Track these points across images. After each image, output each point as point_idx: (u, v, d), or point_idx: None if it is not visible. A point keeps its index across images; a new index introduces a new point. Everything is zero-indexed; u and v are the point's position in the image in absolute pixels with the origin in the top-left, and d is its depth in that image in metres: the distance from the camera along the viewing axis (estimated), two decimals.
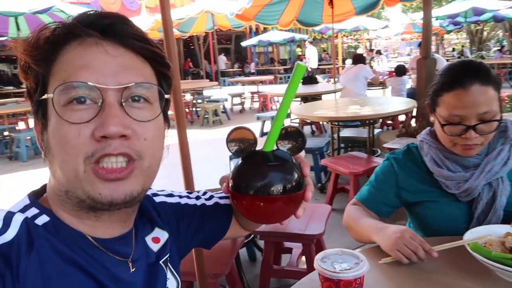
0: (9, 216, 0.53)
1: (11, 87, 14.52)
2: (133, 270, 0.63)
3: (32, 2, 5.93)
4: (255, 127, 7.30)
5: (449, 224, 1.22)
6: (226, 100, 9.97)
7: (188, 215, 0.83)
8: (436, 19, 13.54)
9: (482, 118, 1.12)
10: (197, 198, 0.88)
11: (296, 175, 0.58)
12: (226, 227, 0.88)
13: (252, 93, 10.85)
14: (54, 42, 0.56)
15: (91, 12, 0.58)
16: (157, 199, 0.81)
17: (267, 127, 6.31)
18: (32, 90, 0.58)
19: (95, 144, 0.53)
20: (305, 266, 2.37)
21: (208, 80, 14.85)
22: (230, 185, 0.60)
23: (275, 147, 0.59)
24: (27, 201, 0.59)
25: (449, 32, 20.03)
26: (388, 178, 1.33)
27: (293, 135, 0.60)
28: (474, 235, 1.03)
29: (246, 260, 2.84)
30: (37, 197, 0.61)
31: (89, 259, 0.57)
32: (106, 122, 0.53)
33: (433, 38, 17.83)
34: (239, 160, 0.61)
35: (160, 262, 0.71)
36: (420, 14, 5.65)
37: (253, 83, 11.79)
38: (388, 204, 1.32)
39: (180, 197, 0.86)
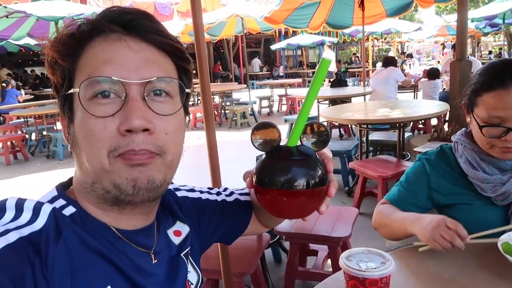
0: (38, 206, 0.55)
1: (50, 89, 15.15)
2: (155, 261, 0.65)
3: (71, 7, 6.20)
4: (283, 130, 7.28)
5: (483, 228, 1.18)
6: (255, 102, 10.01)
7: (209, 210, 0.84)
8: (472, 21, 13.08)
9: None
10: (218, 194, 0.89)
11: (319, 171, 0.58)
12: (246, 223, 0.89)
13: (280, 96, 10.85)
14: (79, 38, 0.58)
15: (115, 8, 0.60)
16: (179, 193, 0.83)
17: None
18: (58, 85, 0.61)
19: (120, 138, 0.55)
20: (330, 269, 2.35)
21: (237, 83, 14.99)
22: (254, 179, 0.60)
23: (299, 143, 0.60)
24: (55, 193, 0.61)
25: (486, 34, 19.30)
26: (419, 179, 1.29)
27: (317, 131, 0.60)
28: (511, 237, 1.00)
29: (271, 261, 2.84)
30: (64, 189, 0.63)
31: (113, 249, 0.59)
32: (130, 115, 0.55)
33: (469, 41, 17.25)
34: (263, 155, 0.61)
35: (181, 254, 0.72)
36: (455, 16, 5.47)
37: (281, 86, 11.79)
38: (419, 205, 1.29)
39: (201, 192, 0.87)
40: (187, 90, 0.64)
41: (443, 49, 21.95)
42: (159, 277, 0.65)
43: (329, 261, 2.47)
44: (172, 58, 0.62)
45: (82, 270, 0.54)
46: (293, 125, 0.59)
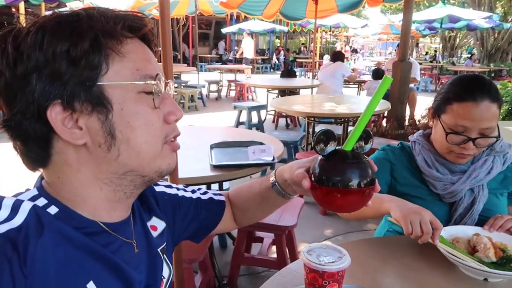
0: (17, 203, 0.54)
1: None
2: (137, 251, 0.67)
3: None
4: (231, 116, 7.31)
5: None
6: (203, 86, 9.89)
7: (184, 207, 0.87)
8: (414, 23, 13.88)
9: (483, 132, 1.20)
10: (193, 191, 0.92)
11: (370, 172, 0.66)
12: (217, 221, 0.93)
13: (230, 81, 10.82)
14: (127, 27, 0.60)
15: (138, 17, 0.62)
16: (158, 188, 0.85)
17: (243, 117, 6.34)
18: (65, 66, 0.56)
19: (167, 127, 0.63)
20: (274, 255, 2.45)
21: (185, 64, 14.65)
22: (313, 178, 0.68)
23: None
24: (35, 192, 0.60)
25: (424, 36, 20.59)
26: (382, 165, 1.38)
27: (365, 137, 0.69)
28: (446, 232, 1.12)
29: (217, 246, 2.90)
30: (43, 189, 0.62)
31: (99, 242, 0.59)
32: (176, 108, 0.64)
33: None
34: (319, 157, 0.69)
35: (158, 250, 0.74)
36: (398, 16, 5.80)
37: (231, 71, 11.74)
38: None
39: (178, 189, 0.90)
40: None
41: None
42: (142, 267, 0.67)
43: (273, 247, 2.57)
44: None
45: (65, 266, 0.54)
46: (351, 132, 0.67)
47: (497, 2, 18.22)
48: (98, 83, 0.56)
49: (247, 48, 16.26)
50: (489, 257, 1.02)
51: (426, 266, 1.09)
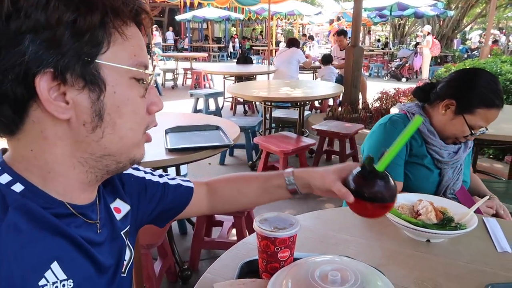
0: None
1: None
2: (100, 231, 0.66)
3: None
4: (187, 104, 7.21)
5: (425, 186, 1.47)
6: (159, 75, 9.66)
7: (150, 190, 0.85)
8: (365, 11, 14.26)
9: None
10: (160, 176, 0.90)
11: (395, 189, 0.79)
12: (183, 207, 0.92)
13: (185, 69, 10.63)
14: (132, 9, 0.58)
15: None
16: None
17: (200, 105, 6.27)
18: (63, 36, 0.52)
19: (149, 117, 0.64)
20: (235, 238, 2.47)
21: None
22: (351, 191, 0.79)
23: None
24: None
25: (375, 24, 21.23)
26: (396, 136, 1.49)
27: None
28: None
29: (177, 233, 2.88)
30: (6, 164, 0.58)
31: (65, 223, 0.58)
32: (159, 100, 0.65)
33: (361, 28, 18.77)
34: (355, 172, 0.80)
35: (121, 233, 0.72)
36: (351, 4, 5.93)
37: (186, 59, 11.53)
38: (402, 165, 1.49)
39: (145, 172, 0.87)
40: None
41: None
42: (105, 246, 0.66)
43: (233, 230, 2.59)
44: None
45: (27, 247, 0.52)
46: (384, 155, 0.79)
47: None
48: (97, 61, 0.54)
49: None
50: (431, 219, 1.09)
51: (374, 232, 1.15)
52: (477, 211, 1.31)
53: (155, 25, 17.49)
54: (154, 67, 0.64)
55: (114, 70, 0.56)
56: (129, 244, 0.76)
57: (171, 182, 0.91)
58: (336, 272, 0.74)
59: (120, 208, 0.75)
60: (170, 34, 23.19)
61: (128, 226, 0.76)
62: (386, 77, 12.67)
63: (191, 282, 2.30)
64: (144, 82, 0.60)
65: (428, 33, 12.58)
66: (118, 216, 0.74)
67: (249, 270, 0.92)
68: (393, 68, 12.63)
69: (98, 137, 0.57)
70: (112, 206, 0.73)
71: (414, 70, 12.89)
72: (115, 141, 0.59)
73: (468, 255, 1.03)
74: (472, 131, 1.38)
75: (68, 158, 0.58)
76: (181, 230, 2.91)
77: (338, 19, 17.38)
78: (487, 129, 1.42)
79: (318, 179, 0.85)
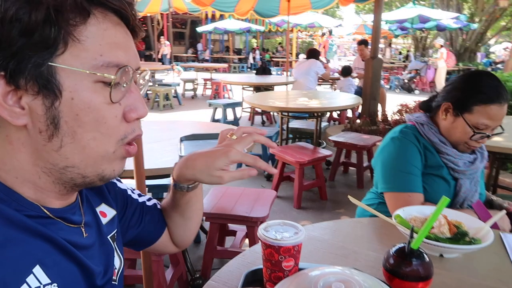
0: None
1: None
2: (86, 235, 0.63)
3: None
4: (206, 114, 7.28)
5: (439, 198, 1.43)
6: (178, 85, 9.82)
7: (131, 207, 0.83)
8: (386, 23, 14.19)
9: (494, 130, 1.36)
10: (139, 195, 0.88)
11: (431, 267, 0.83)
12: (160, 232, 0.89)
13: (205, 80, 10.77)
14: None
15: None
16: None
17: (218, 115, 6.31)
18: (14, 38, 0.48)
19: (126, 126, 0.56)
20: (247, 248, 2.45)
21: (161, 63, 14.50)
22: (387, 267, 0.84)
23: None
24: None
25: (396, 36, 21.04)
26: (412, 152, 1.43)
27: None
28: (405, 212, 1.15)
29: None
30: None
31: (43, 226, 0.55)
32: (140, 104, 0.57)
33: (382, 41, 18.68)
34: (392, 251, 0.85)
35: (108, 237, 0.70)
36: (372, 16, 5.89)
37: (206, 70, 11.68)
38: (420, 176, 1.45)
39: (127, 188, 0.85)
40: None
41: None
42: (93, 250, 0.63)
43: (246, 240, 2.57)
44: None
45: (5, 252, 0.48)
46: (418, 233, 0.83)
47: (464, 3, 18.83)
48: (50, 63, 0.48)
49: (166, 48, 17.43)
50: (444, 233, 1.05)
51: (384, 245, 1.11)
52: (494, 226, 1.26)
53: (161, 36, 17.84)
54: (138, 68, 0.57)
55: (72, 73, 0.50)
56: (117, 249, 0.72)
57: (148, 203, 0.88)
58: (340, 283, 0.72)
59: (106, 212, 0.72)
60: (199, 46, 24.38)
61: (115, 230, 0.73)
62: (398, 89, 12.52)
63: None
64: (118, 86, 0.53)
65: (441, 46, 12.42)
66: (104, 220, 0.71)
67: (253, 279, 0.91)
68: (406, 80, 12.47)
69: (56, 146, 0.52)
70: (98, 210, 0.70)
71: (428, 82, 12.68)
72: (76, 151, 0.53)
73: (483, 271, 0.99)
74: (475, 131, 1.34)
75: (32, 167, 0.54)
76: (195, 239, 2.90)
77: (323, 35, 17.82)
78: (503, 128, 1.36)
79: (202, 160, 0.75)
